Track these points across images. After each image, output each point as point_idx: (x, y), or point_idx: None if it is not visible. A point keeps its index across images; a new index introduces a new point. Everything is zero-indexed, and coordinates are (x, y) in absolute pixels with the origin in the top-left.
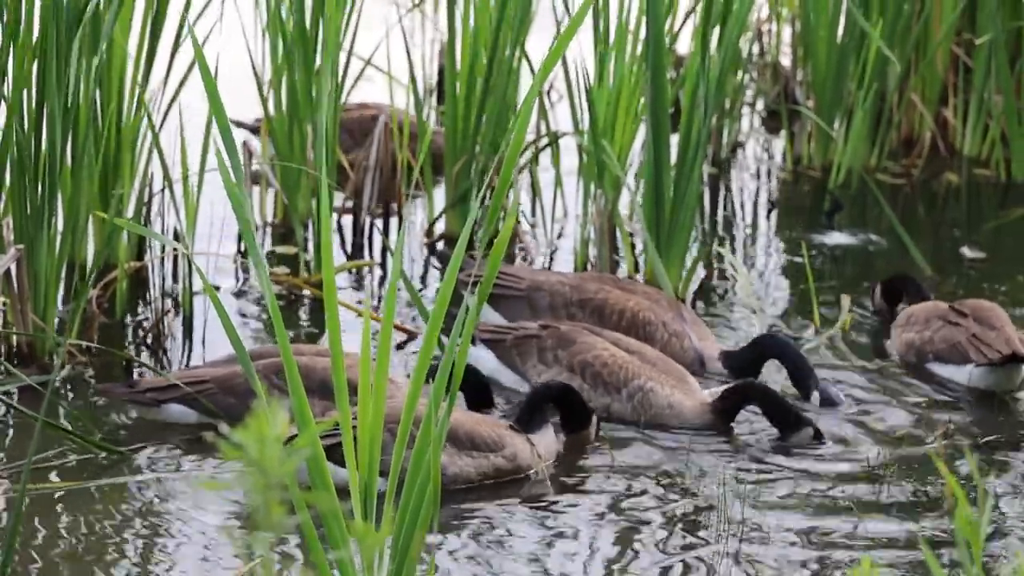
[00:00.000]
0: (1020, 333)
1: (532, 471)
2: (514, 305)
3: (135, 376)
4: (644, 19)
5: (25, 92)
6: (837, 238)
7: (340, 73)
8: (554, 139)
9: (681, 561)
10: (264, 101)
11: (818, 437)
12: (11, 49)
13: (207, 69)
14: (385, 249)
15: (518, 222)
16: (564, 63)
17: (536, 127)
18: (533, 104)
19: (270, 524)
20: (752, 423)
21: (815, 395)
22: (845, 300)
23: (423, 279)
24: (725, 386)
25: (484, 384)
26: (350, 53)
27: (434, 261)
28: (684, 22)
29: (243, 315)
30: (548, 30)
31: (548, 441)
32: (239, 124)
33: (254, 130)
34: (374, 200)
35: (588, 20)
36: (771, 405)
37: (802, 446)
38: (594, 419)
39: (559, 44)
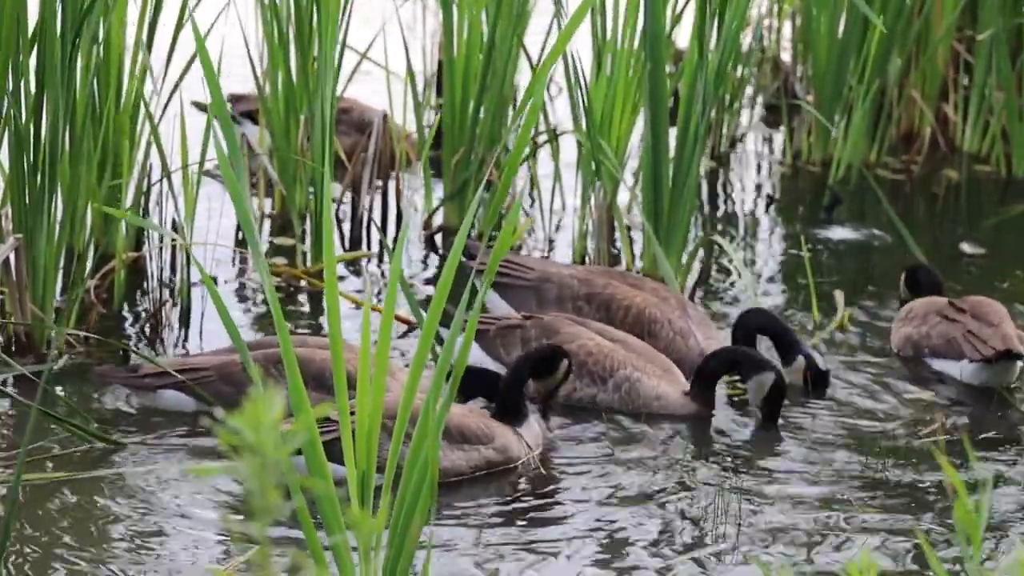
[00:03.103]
0: (1019, 331)
1: (522, 462)
2: (522, 295)
3: (133, 362)
4: (641, 11)
5: (23, 81)
6: (837, 233)
7: (337, 61)
8: (553, 136)
9: (677, 555)
10: (261, 91)
11: (779, 387)
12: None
13: (208, 61)
14: (383, 241)
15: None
16: (564, 55)
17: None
18: (538, 110)
19: (266, 509)
20: (746, 416)
21: (800, 360)
22: (839, 296)
23: (421, 270)
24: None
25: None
26: (343, 45)
27: (434, 252)
28: (682, 11)
29: (241, 306)
30: (546, 15)
31: (534, 431)
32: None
33: (237, 115)
34: (372, 191)
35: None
36: (735, 358)
37: (762, 393)
38: (564, 363)
39: (557, 46)
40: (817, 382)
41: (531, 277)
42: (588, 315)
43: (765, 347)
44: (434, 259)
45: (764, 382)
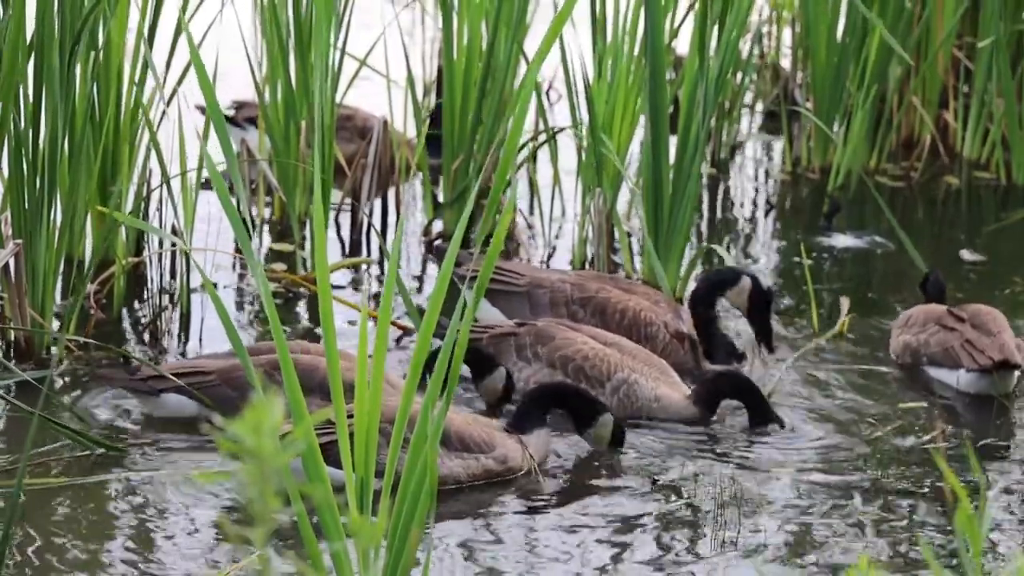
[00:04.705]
0: (1019, 340)
1: (524, 471)
2: (513, 301)
3: (136, 365)
4: (642, 18)
5: (22, 87)
6: (836, 240)
7: (335, 68)
8: (552, 135)
9: (675, 560)
10: (260, 97)
11: (780, 427)
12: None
13: (203, 71)
14: (383, 248)
15: (515, 221)
16: (564, 61)
17: (535, 125)
18: (530, 93)
19: (266, 515)
20: (744, 421)
21: (744, 280)
22: (844, 302)
23: (421, 277)
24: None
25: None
26: (343, 51)
27: (432, 258)
28: (683, 19)
29: (241, 311)
30: (546, 22)
31: (541, 443)
32: (228, 119)
33: (241, 121)
34: (372, 198)
35: (587, 18)
36: (747, 396)
37: (778, 435)
38: (606, 417)
39: (549, 35)
40: (762, 300)
41: (522, 283)
42: (583, 319)
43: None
44: (434, 266)
45: (768, 428)
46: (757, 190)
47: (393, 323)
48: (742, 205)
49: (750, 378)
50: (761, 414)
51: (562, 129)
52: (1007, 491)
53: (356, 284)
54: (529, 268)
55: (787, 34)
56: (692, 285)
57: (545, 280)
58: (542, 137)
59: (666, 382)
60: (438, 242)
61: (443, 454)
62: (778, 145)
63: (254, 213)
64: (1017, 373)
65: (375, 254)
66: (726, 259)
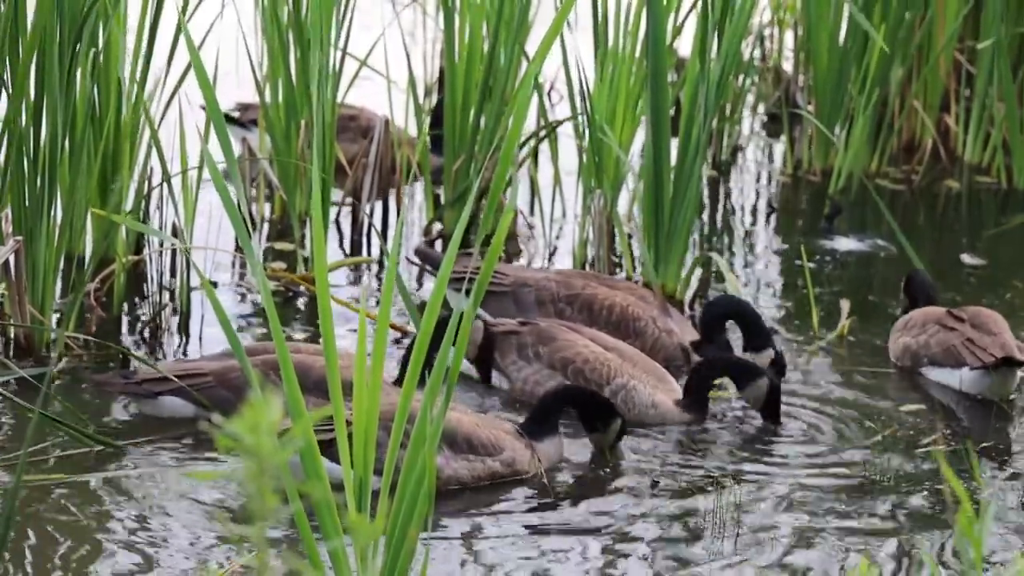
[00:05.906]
0: (1018, 342)
1: (530, 475)
2: (500, 301)
3: (131, 369)
4: (643, 19)
5: (24, 84)
6: (837, 243)
7: (335, 66)
8: (551, 128)
9: (675, 562)
10: (261, 96)
11: (775, 388)
12: (10, 42)
13: (202, 70)
14: (383, 248)
15: (515, 220)
16: (565, 62)
17: (536, 124)
18: (532, 87)
19: (264, 513)
20: (744, 424)
21: (769, 352)
22: (845, 305)
23: (420, 277)
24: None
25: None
26: (344, 51)
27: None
28: (685, 19)
29: (241, 310)
30: (548, 23)
31: (552, 448)
32: (233, 120)
33: (246, 122)
34: (373, 197)
35: (589, 19)
36: (727, 367)
37: (760, 399)
38: (617, 423)
39: (551, 32)
40: (773, 399)
41: (507, 283)
42: (570, 317)
43: (735, 336)
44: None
45: (760, 388)
46: (758, 193)
47: (392, 325)
48: (743, 207)
49: (723, 354)
50: (746, 374)
51: (561, 122)
52: (1007, 494)
53: (356, 283)
54: (513, 267)
55: (789, 37)
56: (692, 287)
57: (530, 279)
58: (542, 134)
59: (663, 389)
60: (438, 243)
61: (449, 456)
62: (779, 148)
63: (254, 212)
64: (1019, 373)
65: (376, 254)
66: (724, 272)
